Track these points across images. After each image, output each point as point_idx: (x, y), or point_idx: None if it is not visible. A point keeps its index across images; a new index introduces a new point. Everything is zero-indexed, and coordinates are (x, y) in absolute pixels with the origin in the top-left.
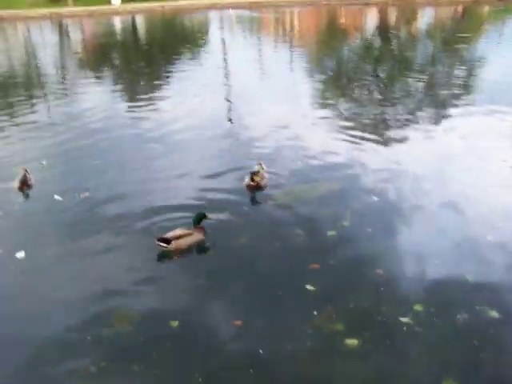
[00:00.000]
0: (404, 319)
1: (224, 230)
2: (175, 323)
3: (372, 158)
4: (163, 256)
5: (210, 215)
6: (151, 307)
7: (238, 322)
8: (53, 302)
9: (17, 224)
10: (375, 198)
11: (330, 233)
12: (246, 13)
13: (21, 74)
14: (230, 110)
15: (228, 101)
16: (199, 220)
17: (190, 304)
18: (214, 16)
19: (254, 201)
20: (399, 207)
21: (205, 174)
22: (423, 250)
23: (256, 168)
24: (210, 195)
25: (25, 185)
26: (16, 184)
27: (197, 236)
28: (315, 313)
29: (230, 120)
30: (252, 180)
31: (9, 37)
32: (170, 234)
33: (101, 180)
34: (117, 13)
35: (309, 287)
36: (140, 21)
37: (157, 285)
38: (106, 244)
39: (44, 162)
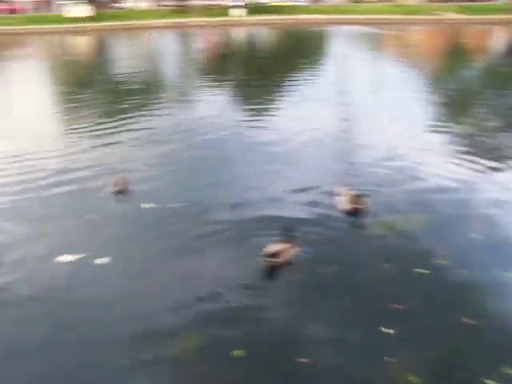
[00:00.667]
0: (490, 382)
1: (311, 252)
2: (240, 352)
3: (482, 189)
4: (267, 269)
5: (301, 233)
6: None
7: (303, 359)
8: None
9: (112, 229)
10: (478, 236)
11: (420, 270)
12: (365, 29)
13: (142, 80)
14: (343, 127)
15: (343, 118)
16: (290, 233)
17: (255, 328)
18: (332, 31)
19: (346, 226)
20: (505, 250)
21: (308, 191)
22: None
23: (342, 191)
24: (308, 213)
25: (123, 191)
26: (114, 188)
27: (294, 249)
28: (387, 359)
29: (343, 138)
30: (353, 204)
31: (136, 44)
32: (272, 248)
33: (203, 190)
34: (239, 24)
35: (384, 329)
36: (260, 33)
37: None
38: (202, 253)
39: (129, 171)
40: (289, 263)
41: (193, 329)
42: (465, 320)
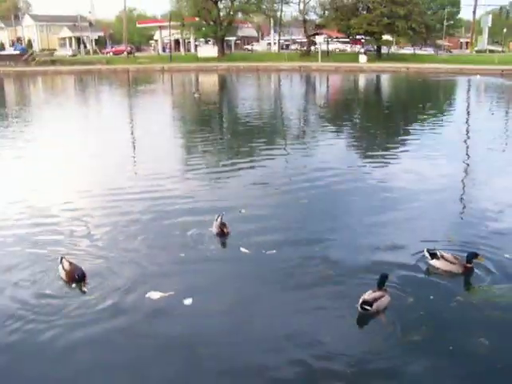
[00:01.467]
0: None
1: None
2: None
3: None
4: (365, 317)
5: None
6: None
7: None
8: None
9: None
10: None
11: None
12: (496, 80)
13: (263, 119)
14: (468, 181)
15: (465, 172)
16: (383, 281)
17: None
18: (460, 81)
19: (443, 289)
20: None
21: (415, 245)
22: None
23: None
24: (401, 270)
25: (222, 232)
26: (214, 230)
27: (387, 298)
28: None
29: (462, 198)
30: (467, 263)
31: (262, 84)
32: (367, 297)
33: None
34: (362, 70)
35: None
36: (383, 79)
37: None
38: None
39: (243, 211)
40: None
41: None
42: None
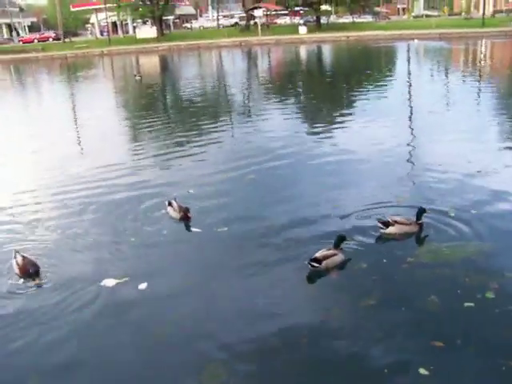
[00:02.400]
0: None
1: (353, 276)
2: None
3: None
4: (314, 275)
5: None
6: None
7: None
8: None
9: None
10: None
11: (467, 304)
12: (434, 44)
13: (208, 96)
14: (413, 141)
15: (413, 131)
16: (339, 242)
17: None
18: (399, 47)
19: (391, 254)
20: None
21: (365, 209)
22: None
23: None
24: (358, 233)
25: (187, 216)
26: (175, 214)
27: (340, 257)
28: None
29: (409, 159)
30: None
31: (203, 62)
32: (318, 254)
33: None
34: (302, 41)
35: (423, 371)
36: (325, 49)
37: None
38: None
39: (191, 191)
40: (334, 268)
41: None
42: None
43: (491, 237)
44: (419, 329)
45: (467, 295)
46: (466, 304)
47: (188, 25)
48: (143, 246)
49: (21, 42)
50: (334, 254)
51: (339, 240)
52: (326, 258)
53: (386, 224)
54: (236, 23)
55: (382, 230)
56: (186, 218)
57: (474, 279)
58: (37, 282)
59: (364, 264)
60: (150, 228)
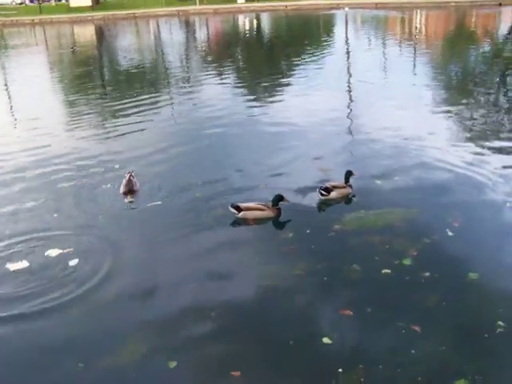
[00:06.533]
0: None
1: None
2: None
3: (476, 178)
4: (235, 223)
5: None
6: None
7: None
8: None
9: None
10: (451, 233)
11: (385, 271)
12: (370, 13)
13: (147, 68)
14: (348, 111)
15: (349, 100)
16: (277, 201)
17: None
18: (337, 16)
19: (320, 221)
20: (478, 248)
21: (302, 173)
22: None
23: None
24: (293, 197)
25: (130, 190)
26: (121, 189)
27: (267, 213)
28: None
29: (339, 127)
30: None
31: (141, 33)
32: (243, 205)
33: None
34: (241, 11)
35: (326, 340)
36: (263, 19)
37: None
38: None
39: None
40: (254, 220)
41: None
42: (414, 327)
43: (415, 203)
44: (333, 298)
45: (386, 262)
46: (384, 271)
47: None
48: (87, 220)
49: None
50: (260, 209)
51: (276, 198)
52: (248, 208)
53: (326, 190)
54: None
55: (324, 197)
56: (129, 192)
57: (394, 246)
58: None
59: (290, 233)
60: (97, 204)
